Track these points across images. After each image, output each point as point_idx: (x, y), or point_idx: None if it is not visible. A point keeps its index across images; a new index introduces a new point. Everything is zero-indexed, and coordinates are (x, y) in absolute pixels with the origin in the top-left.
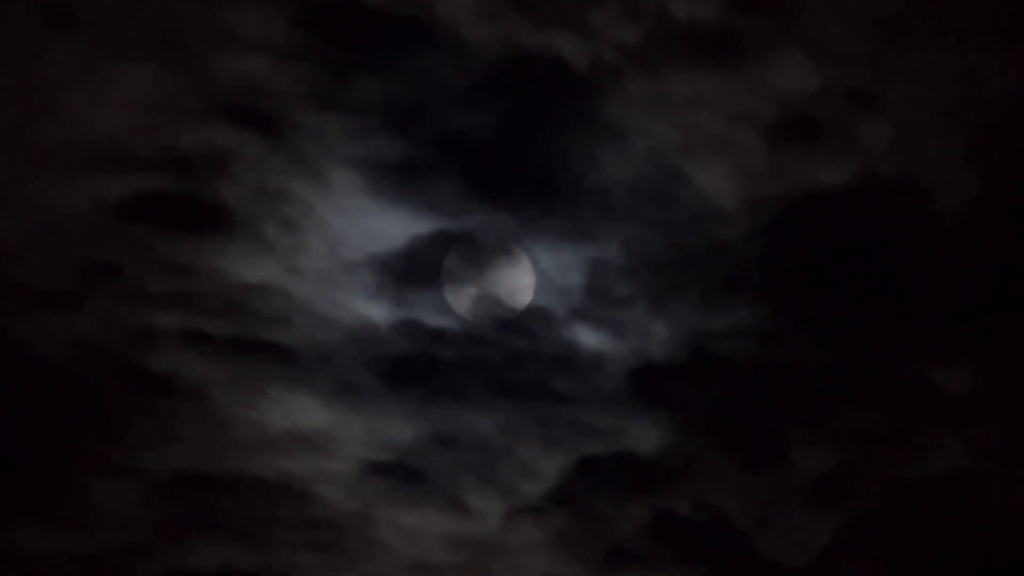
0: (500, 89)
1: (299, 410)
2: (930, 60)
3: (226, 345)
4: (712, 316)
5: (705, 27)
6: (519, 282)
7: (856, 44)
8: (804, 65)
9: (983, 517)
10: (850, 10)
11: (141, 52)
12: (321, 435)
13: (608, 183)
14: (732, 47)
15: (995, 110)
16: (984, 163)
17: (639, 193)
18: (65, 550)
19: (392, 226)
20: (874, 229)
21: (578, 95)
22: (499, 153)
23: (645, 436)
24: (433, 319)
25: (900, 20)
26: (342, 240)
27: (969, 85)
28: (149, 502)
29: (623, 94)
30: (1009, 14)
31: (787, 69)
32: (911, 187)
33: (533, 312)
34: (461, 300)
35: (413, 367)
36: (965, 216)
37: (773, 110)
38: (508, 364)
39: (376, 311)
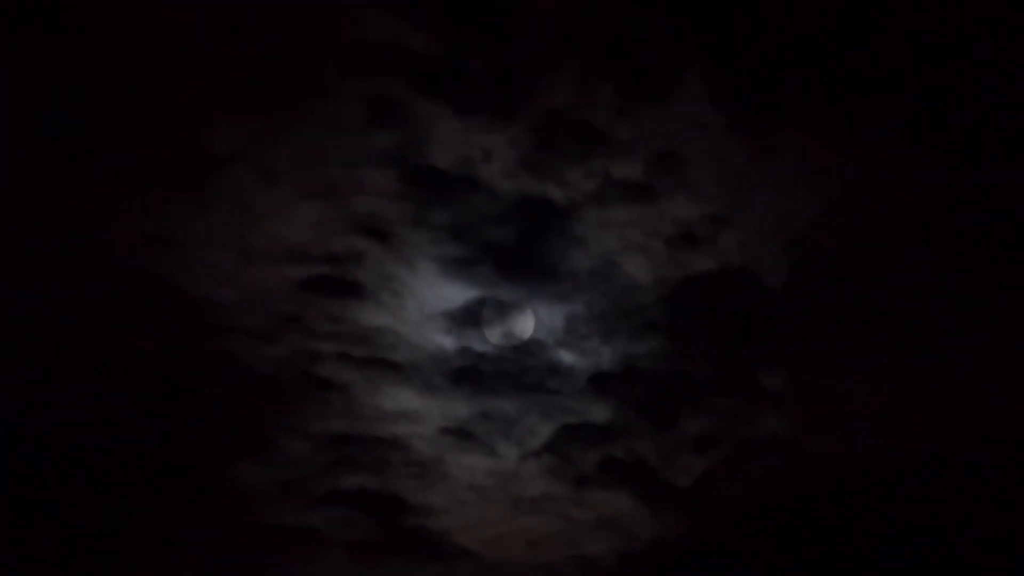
0: (515, 216)
1: (403, 399)
2: (762, 198)
3: (362, 361)
4: (635, 345)
5: (633, 180)
6: (525, 325)
7: (719, 188)
8: (689, 201)
9: (789, 457)
10: (715, 167)
11: (310, 194)
12: (415, 412)
13: (576, 270)
14: (648, 191)
15: (800, 226)
16: (792, 256)
17: (594, 276)
18: (267, 479)
19: (455, 294)
20: (727, 296)
21: (560, 220)
22: (515, 253)
23: (598, 413)
24: (478, 346)
25: (744, 172)
26: (426, 302)
27: (780, 213)
28: (317, 450)
29: (586, 219)
30: (811, 167)
31: (679, 204)
32: (749, 272)
33: (534, 342)
34: (493, 335)
35: (467, 374)
36: (779, 289)
37: (671, 228)
38: (520, 372)
39: (446, 342)
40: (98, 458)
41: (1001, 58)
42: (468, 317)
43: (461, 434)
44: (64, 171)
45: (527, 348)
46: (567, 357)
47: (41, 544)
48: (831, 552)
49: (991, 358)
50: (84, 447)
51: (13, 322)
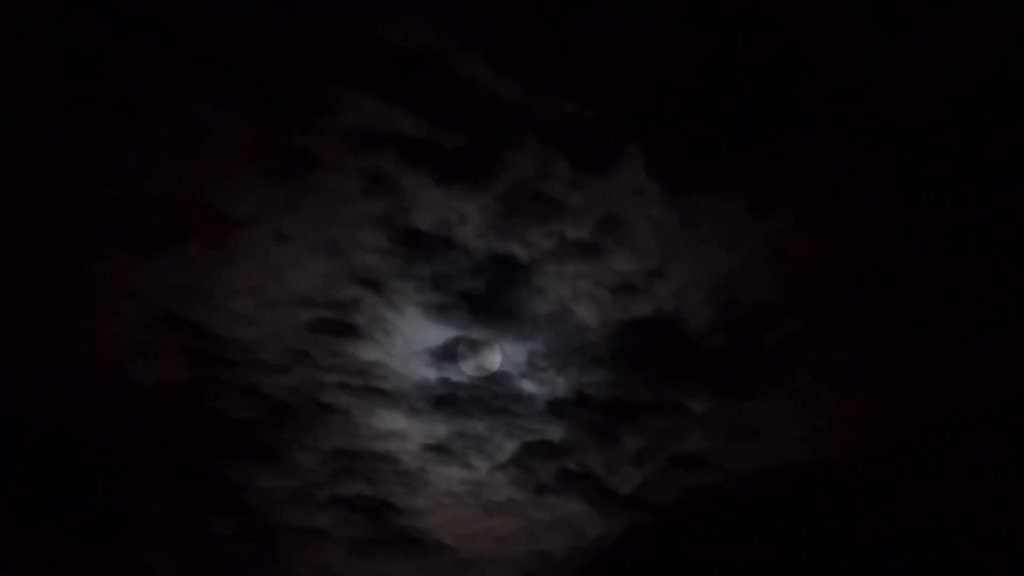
0: (486, 269)
1: (393, 421)
2: (689, 255)
3: (360, 390)
4: (584, 375)
5: (583, 240)
6: (493, 359)
7: (654, 246)
8: (629, 258)
9: (710, 468)
10: (651, 229)
11: (316, 251)
12: (403, 432)
13: (536, 314)
14: (595, 249)
15: (721, 278)
16: (714, 303)
17: (551, 319)
18: (281, 486)
19: (436, 334)
20: (660, 335)
21: (523, 273)
22: (485, 300)
23: (554, 431)
24: (455, 376)
25: (675, 233)
26: (413, 340)
27: (704, 268)
28: (322, 462)
29: (544, 272)
30: (730, 230)
31: (621, 260)
32: (678, 317)
33: (501, 373)
34: (468, 367)
35: (446, 400)
36: (703, 330)
37: (615, 280)
38: (489, 398)
39: (429, 373)
40: (145, 466)
41: (881, 133)
42: (446, 353)
43: (440, 449)
44: (111, 231)
45: (495, 379)
46: (528, 386)
47: (98, 535)
48: (742, 546)
49: (873, 387)
50: (134, 457)
51: (76, 359)
